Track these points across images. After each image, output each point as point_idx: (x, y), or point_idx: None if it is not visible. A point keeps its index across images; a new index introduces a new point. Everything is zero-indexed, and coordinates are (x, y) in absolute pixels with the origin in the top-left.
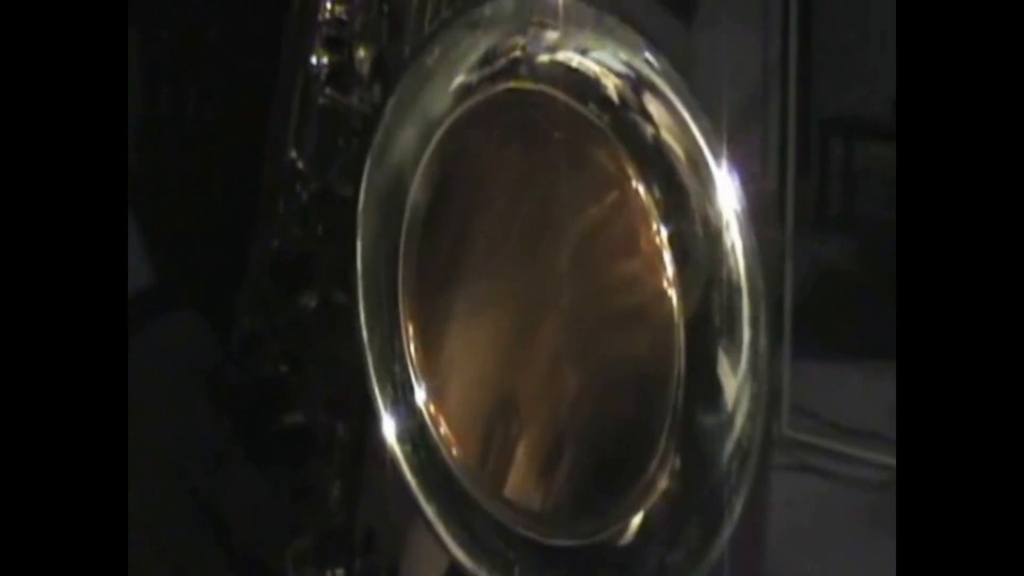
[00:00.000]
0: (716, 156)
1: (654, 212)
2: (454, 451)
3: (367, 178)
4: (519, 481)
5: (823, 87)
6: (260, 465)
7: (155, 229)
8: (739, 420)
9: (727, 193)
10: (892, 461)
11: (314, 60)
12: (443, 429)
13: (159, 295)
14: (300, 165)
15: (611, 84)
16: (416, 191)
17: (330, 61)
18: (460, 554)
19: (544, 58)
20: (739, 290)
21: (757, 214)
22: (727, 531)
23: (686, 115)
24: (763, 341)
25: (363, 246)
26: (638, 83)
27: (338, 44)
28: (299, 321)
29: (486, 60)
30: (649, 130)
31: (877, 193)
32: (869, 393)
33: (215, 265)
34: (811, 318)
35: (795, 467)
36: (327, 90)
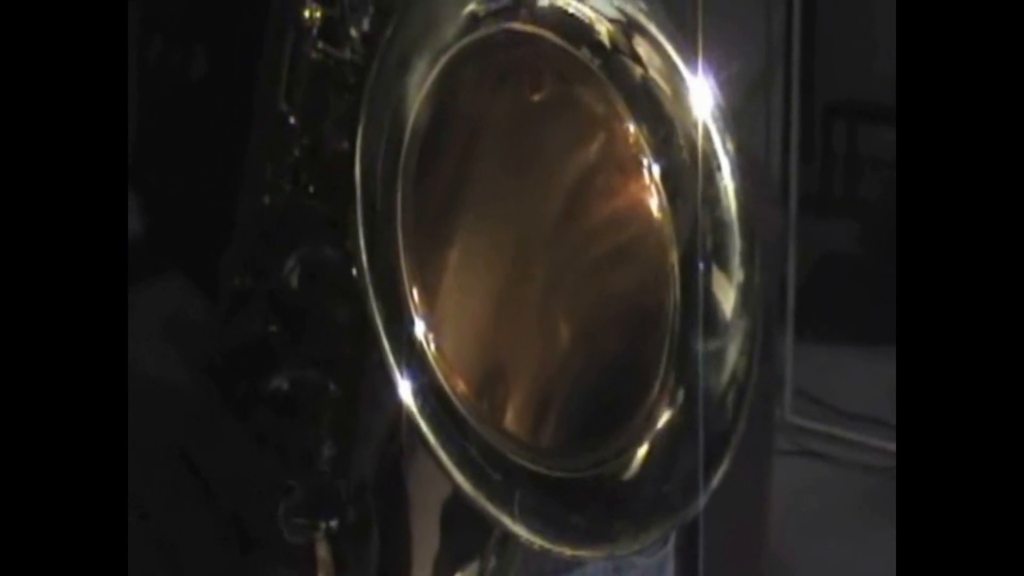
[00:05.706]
0: (692, 71)
1: (645, 149)
2: (456, 385)
3: (368, 101)
4: (521, 416)
5: (827, 71)
6: (250, 425)
7: (140, 186)
8: (732, 352)
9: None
10: (894, 446)
11: (306, 14)
12: (444, 366)
13: (145, 255)
14: (291, 120)
15: (604, 29)
16: (415, 121)
17: (323, 15)
18: (462, 480)
19: (544, 2)
20: (731, 228)
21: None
22: (724, 464)
23: (673, 53)
24: (757, 279)
25: (361, 166)
26: (629, 27)
27: None
28: (288, 279)
29: None
30: (638, 71)
31: (881, 177)
32: (871, 378)
33: (203, 223)
34: (814, 302)
35: (797, 452)
36: (319, 44)
